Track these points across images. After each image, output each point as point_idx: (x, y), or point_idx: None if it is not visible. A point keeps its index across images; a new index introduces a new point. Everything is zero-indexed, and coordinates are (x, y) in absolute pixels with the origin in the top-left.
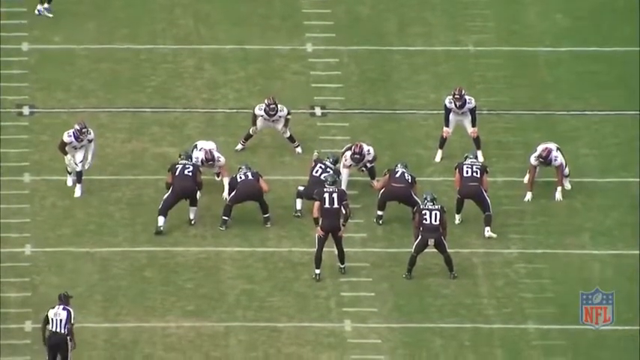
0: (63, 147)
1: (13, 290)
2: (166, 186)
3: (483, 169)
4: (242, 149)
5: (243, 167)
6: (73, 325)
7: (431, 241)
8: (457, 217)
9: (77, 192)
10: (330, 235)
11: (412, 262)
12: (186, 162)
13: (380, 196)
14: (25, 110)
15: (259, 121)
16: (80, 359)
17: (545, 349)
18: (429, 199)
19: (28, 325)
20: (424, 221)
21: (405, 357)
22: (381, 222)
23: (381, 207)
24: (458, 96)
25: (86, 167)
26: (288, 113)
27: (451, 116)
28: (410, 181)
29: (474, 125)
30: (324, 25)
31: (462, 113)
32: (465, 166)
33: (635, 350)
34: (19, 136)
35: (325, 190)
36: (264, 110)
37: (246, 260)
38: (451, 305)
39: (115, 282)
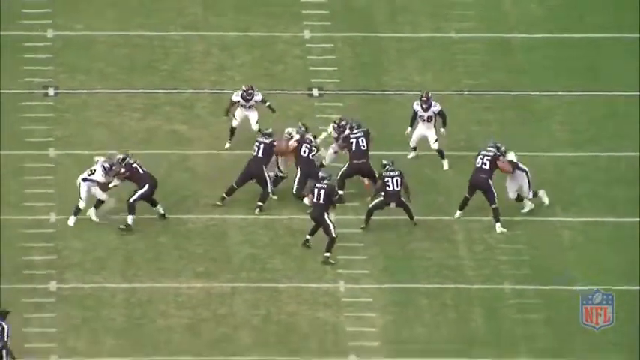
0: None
1: (39, 254)
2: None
3: (494, 159)
4: (229, 147)
5: (260, 137)
6: (7, 341)
7: (392, 204)
8: (458, 213)
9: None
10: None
11: (369, 215)
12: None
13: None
14: (51, 91)
15: (238, 111)
16: (100, 316)
17: (520, 307)
18: (390, 166)
19: (53, 285)
20: (387, 188)
21: (393, 314)
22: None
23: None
24: (425, 99)
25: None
26: (263, 101)
27: (418, 130)
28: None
29: (444, 126)
30: (321, 14)
31: (428, 118)
32: (478, 156)
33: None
34: (45, 114)
35: (316, 186)
36: (241, 95)
37: (250, 227)
38: (435, 267)
39: (132, 246)
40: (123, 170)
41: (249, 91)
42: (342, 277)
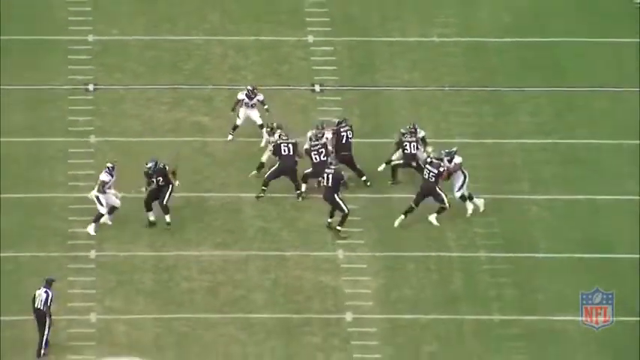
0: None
1: (81, 226)
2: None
3: (438, 174)
4: (232, 139)
5: (282, 134)
6: (50, 306)
7: (413, 163)
8: (402, 217)
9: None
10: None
11: (394, 173)
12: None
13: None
14: (90, 87)
15: (241, 110)
16: (132, 280)
17: (492, 272)
18: (409, 132)
19: (93, 254)
20: (405, 151)
21: (385, 278)
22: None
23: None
24: (413, 130)
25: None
26: (263, 102)
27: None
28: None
29: (425, 146)
30: (322, 21)
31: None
32: (424, 170)
33: (567, 273)
34: (86, 107)
35: (326, 171)
36: (246, 94)
37: (261, 204)
38: (421, 238)
39: (159, 221)
40: (167, 168)
41: (254, 91)
42: (340, 247)
